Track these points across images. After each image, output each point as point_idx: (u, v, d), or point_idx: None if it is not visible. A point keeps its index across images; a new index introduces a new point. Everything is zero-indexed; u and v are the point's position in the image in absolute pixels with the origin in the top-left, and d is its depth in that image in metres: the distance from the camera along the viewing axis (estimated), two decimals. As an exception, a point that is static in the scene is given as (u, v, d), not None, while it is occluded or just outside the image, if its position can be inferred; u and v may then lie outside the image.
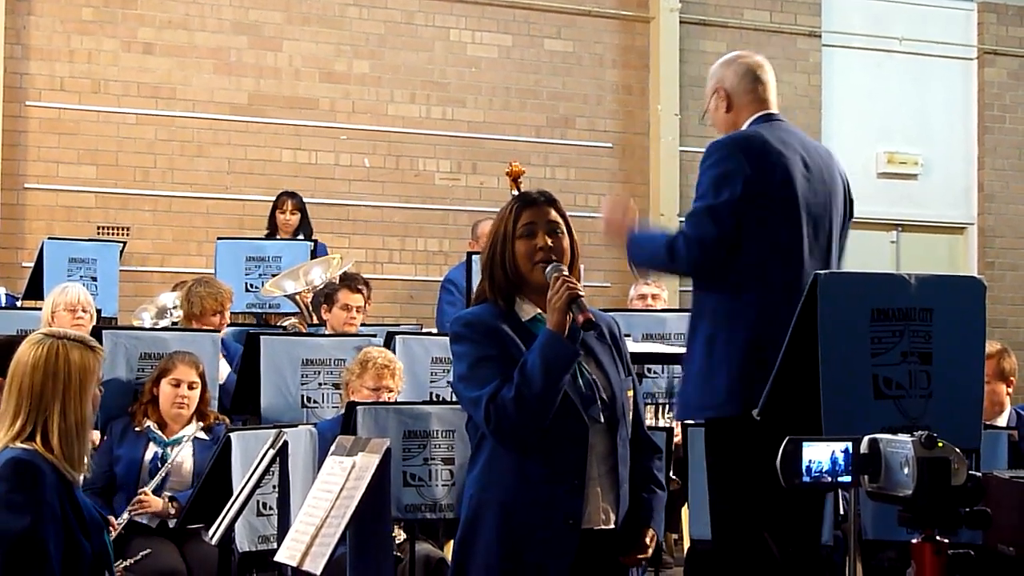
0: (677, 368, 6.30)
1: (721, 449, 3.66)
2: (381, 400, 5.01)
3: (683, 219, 3.83)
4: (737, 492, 3.58)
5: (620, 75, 10.42)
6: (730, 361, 3.61)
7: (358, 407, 4.56)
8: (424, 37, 9.93)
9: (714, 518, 3.72)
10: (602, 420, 3.10)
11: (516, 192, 3.93)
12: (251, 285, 7.83)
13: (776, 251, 3.65)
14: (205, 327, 6.22)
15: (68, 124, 9.09)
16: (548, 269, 3.13)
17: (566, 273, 3.11)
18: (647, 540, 3.17)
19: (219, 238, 8.24)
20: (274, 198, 8.80)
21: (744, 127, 3.88)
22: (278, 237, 8.44)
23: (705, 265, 3.68)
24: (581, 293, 3.06)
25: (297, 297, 7.35)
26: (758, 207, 3.65)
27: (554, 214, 3.22)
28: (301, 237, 8.42)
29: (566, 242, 3.20)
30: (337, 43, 9.73)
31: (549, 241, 3.17)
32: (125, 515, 5.02)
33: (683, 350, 4.94)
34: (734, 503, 3.60)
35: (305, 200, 8.70)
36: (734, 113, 3.94)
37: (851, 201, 3.97)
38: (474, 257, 6.26)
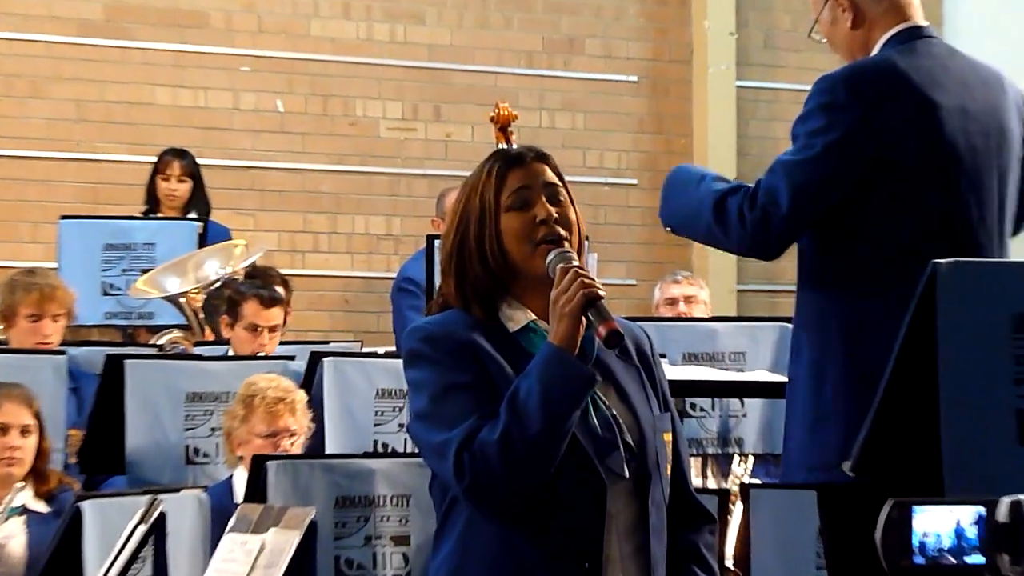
0: (734, 403, 6.33)
1: (838, 521, 3.65)
2: (282, 450, 5.02)
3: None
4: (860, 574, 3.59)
5: (650, -24, 10.49)
6: (847, 400, 3.63)
7: (268, 462, 4.57)
8: (363, -78, 9.97)
9: None
10: (627, 475, 3.12)
11: (505, 147, 3.93)
12: (112, 286, 7.84)
13: (919, 235, 3.65)
14: (34, 347, 6.22)
15: None
16: (552, 257, 3.11)
17: (577, 263, 3.11)
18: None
19: (63, 217, 8.25)
20: (148, 158, 8.80)
21: (876, 49, 3.89)
22: (159, 215, 8.45)
23: (763, 241, 3.72)
24: (602, 293, 3.04)
25: (183, 301, 7.34)
26: (884, 172, 3.68)
27: (550, 174, 3.20)
28: (193, 214, 8.43)
29: (572, 213, 3.19)
30: (235, -69, 9.77)
31: (554, 211, 3.16)
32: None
33: (743, 376, 4.98)
34: None
35: (192, 160, 8.75)
36: (864, 30, 3.93)
37: None
38: (437, 242, 6.28)
